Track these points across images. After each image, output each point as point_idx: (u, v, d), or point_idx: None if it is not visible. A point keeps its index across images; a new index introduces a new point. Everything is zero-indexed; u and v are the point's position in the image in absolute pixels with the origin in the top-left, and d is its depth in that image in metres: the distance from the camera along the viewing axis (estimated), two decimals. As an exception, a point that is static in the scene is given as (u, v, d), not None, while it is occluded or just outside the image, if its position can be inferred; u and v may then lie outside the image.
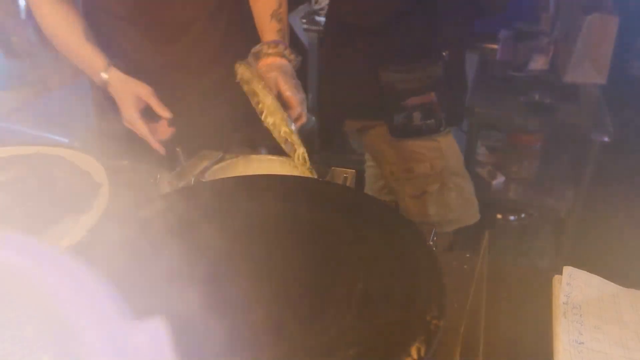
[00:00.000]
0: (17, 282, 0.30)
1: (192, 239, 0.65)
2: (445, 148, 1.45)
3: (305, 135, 0.94)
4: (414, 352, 0.48)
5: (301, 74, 1.02)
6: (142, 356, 0.25)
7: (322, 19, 2.59)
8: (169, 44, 1.17)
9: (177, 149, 0.99)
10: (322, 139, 2.83)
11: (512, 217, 2.24)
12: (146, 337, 0.25)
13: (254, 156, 0.99)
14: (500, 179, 2.06)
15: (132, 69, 1.11)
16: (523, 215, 2.24)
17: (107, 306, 0.27)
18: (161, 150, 1.08)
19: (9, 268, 0.30)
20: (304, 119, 0.99)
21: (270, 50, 1.02)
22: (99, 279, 0.28)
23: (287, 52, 1.04)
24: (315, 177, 0.90)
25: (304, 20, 2.59)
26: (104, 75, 1.08)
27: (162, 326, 0.25)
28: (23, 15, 1.75)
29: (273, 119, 0.93)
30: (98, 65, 1.09)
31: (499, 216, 2.25)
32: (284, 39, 1.07)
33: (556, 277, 0.81)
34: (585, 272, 0.81)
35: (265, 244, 0.64)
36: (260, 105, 0.94)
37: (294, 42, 1.09)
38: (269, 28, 1.09)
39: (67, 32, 1.10)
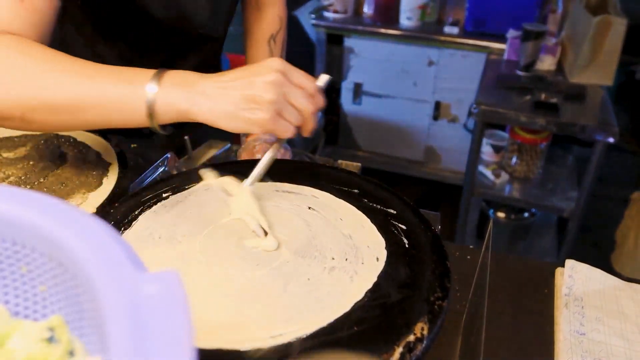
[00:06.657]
0: (31, 237, 0.31)
1: (201, 218, 0.66)
2: None
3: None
4: (417, 331, 0.48)
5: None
6: (156, 307, 0.25)
7: (330, 15, 2.60)
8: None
9: (185, 137, 0.99)
10: (328, 134, 2.84)
11: (515, 216, 2.25)
12: (160, 288, 0.25)
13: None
14: (504, 178, 2.07)
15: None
16: (526, 215, 2.25)
17: (120, 259, 0.27)
18: None
19: (24, 223, 0.31)
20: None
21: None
22: (112, 233, 0.29)
23: None
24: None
25: (313, 16, 2.59)
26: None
27: (176, 277, 0.26)
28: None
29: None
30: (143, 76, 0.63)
31: (502, 215, 2.25)
32: None
33: (559, 269, 0.82)
34: (588, 265, 0.81)
35: (270, 223, 0.64)
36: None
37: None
38: None
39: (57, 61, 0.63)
